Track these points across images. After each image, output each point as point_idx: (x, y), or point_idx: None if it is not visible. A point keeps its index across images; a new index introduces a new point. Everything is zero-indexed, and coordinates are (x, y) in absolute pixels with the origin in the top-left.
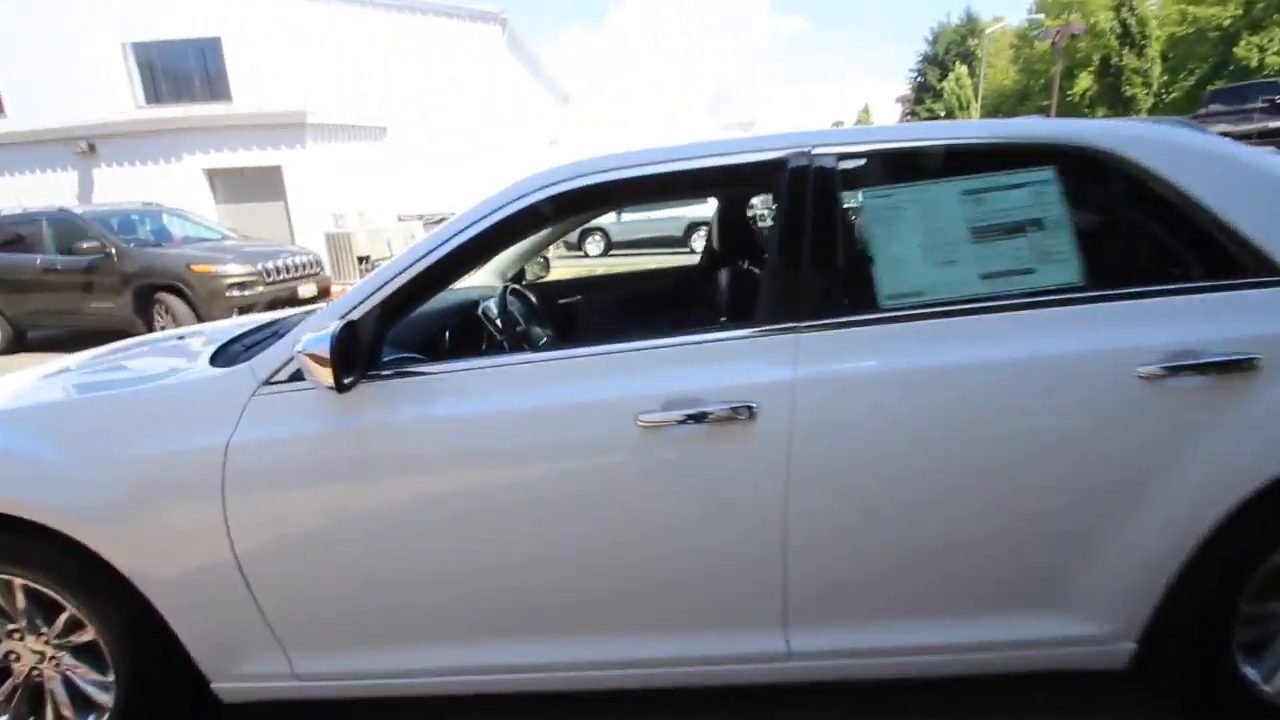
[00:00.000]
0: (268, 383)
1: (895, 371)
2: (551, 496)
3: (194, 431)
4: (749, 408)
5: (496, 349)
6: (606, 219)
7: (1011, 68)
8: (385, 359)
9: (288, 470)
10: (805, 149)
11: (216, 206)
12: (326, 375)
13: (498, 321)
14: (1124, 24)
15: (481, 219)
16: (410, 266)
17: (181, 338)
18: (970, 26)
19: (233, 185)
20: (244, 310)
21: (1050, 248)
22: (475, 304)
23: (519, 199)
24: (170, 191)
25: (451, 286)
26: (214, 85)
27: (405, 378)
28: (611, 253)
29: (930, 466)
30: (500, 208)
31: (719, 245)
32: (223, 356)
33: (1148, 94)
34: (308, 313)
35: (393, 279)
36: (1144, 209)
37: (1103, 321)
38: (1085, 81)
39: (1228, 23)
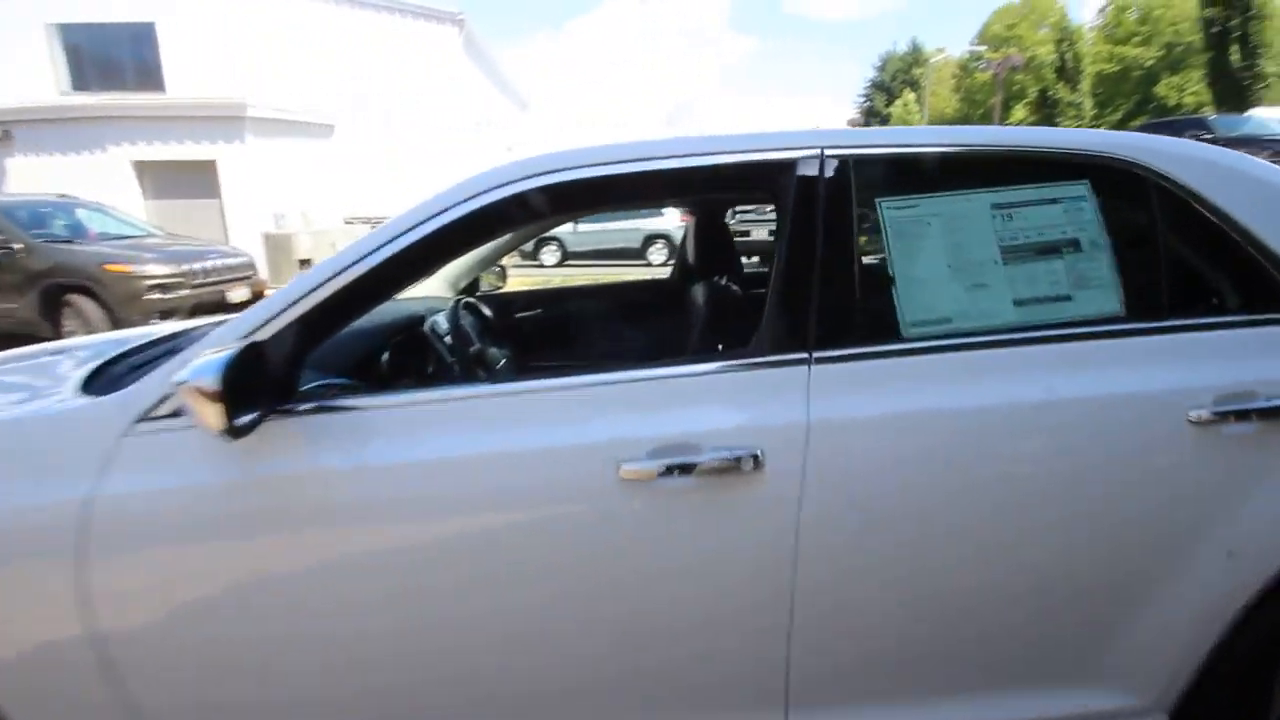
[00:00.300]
0: (145, 418)
1: (923, 414)
2: (515, 564)
3: (39, 481)
4: (754, 456)
5: (445, 372)
6: (563, 228)
7: (954, 96)
8: (305, 387)
9: (171, 533)
10: (815, 149)
11: (145, 202)
12: (214, 415)
13: (447, 339)
14: (1063, 58)
15: (432, 218)
16: (340, 274)
17: (60, 352)
18: (915, 56)
19: (163, 180)
20: (165, 315)
21: (1088, 272)
22: (421, 319)
23: (479, 195)
24: (94, 185)
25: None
26: (147, 74)
27: (330, 413)
28: (567, 263)
29: (958, 525)
30: (456, 205)
31: (695, 258)
32: (101, 379)
33: (1078, 126)
34: (217, 324)
35: (316, 289)
36: (1184, 232)
37: (1148, 358)
38: (1021, 112)
39: (1150, 63)
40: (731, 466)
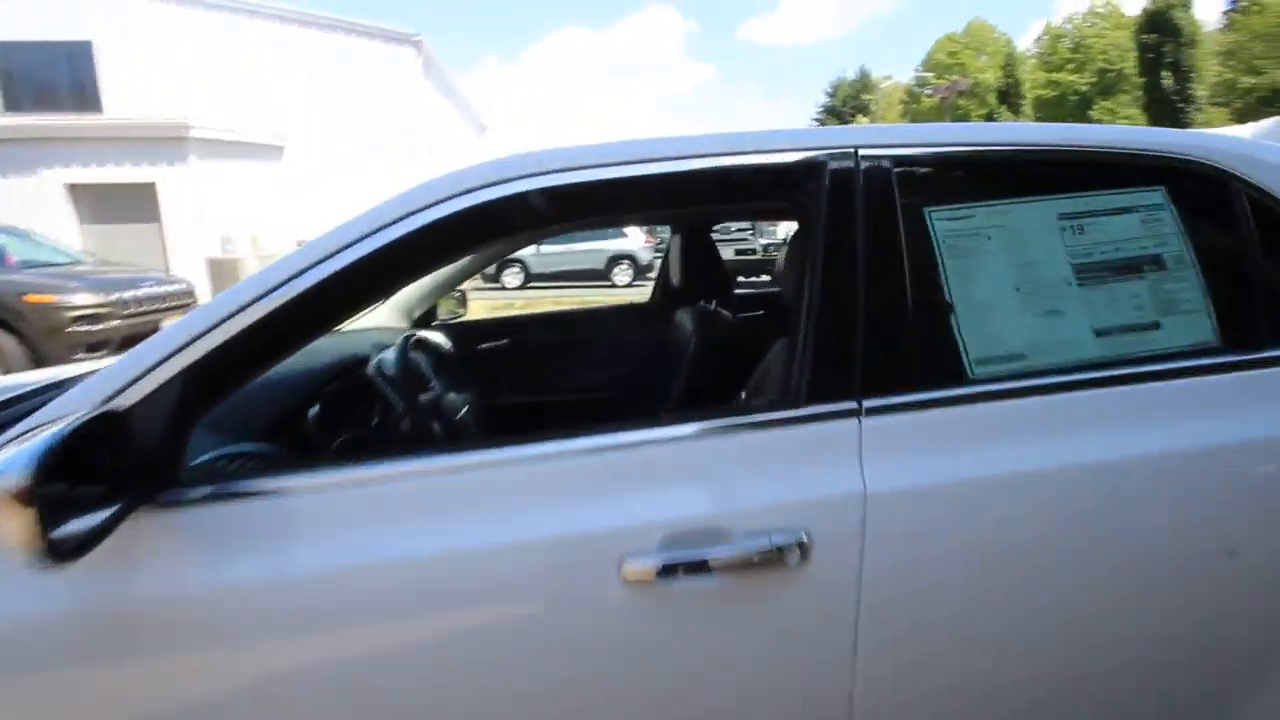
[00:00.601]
0: None
1: (1009, 478)
2: (489, 704)
3: None
4: (800, 541)
5: (394, 426)
6: (526, 249)
7: (902, 121)
8: (200, 460)
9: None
10: (848, 149)
11: (80, 227)
12: (20, 528)
13: (398, 383)
14: (1008, 82)
15: (382, 229)
16: (250, 307)
17: None
18: (864, 82)
19: (100, 204)
20: (93, 348)
21: (1175, 294)
22: (364, 360)
23: (445, 201)
24: (24, 209)
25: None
26: (84, 95)
27: (236, 500)
28: (531, 285)
29: (1059, 616)
30: (421, 210)
31: (681, 280)
32: None
33: None
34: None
35: (210, 331)
36: (1276, 247)
37: (1255, 396)
38: None
39: (1085, 89)
40: (772, 556)
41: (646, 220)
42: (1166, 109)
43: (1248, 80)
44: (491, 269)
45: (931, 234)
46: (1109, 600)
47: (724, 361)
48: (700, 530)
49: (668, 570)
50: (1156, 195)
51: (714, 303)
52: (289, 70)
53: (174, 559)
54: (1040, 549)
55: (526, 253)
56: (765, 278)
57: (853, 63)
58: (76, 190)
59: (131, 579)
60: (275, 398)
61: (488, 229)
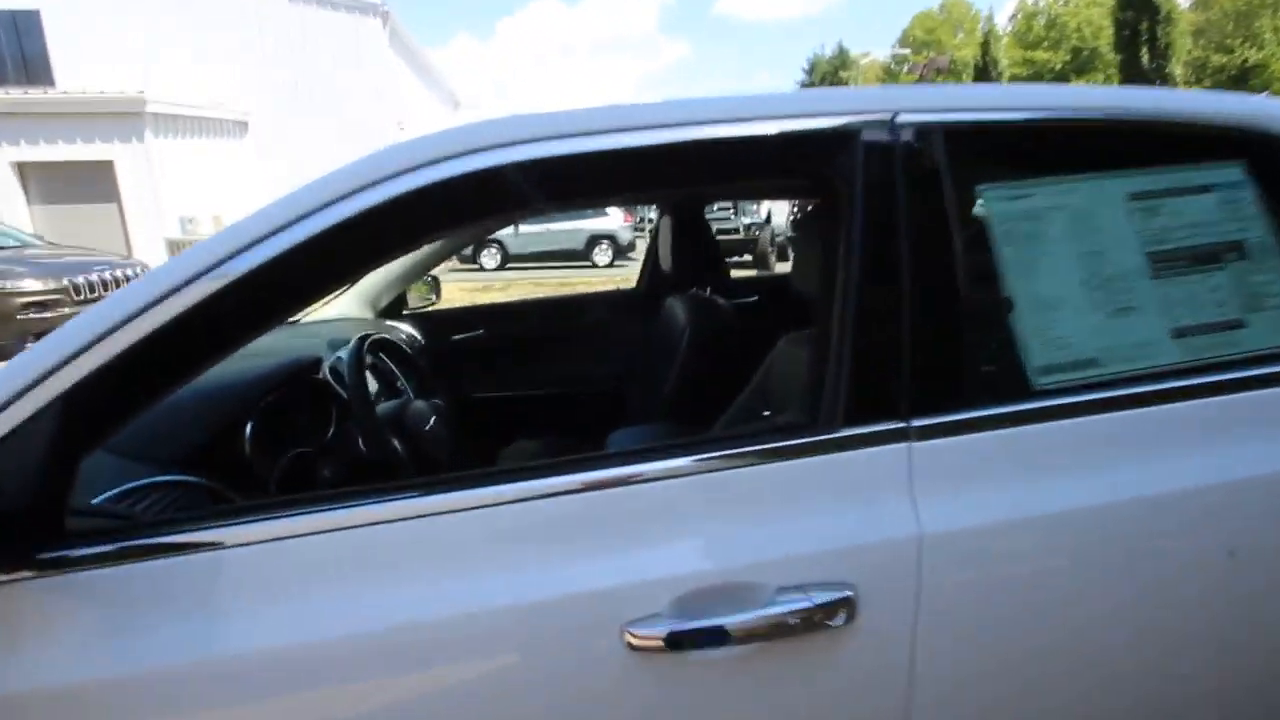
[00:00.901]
0: None
1: (1088, 511)
2: None
3: None
4: (845, 598)
5: (349, 442)
6: (504, 229)
7: None
8: (99, 500)
9: None
10: (885, 115)
11: (30, 208)
12: None
13: (354, 387)
14: (985, 60)
15: (326, 207)
16: (158, 304)
17: None
18: (842, 59)
19: (52, 183)
20: (43, 337)
21: (1261, 287)
22: (316, 362)
23: (390, 180)
24: None
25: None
26: (33, 68)
27: (142, 557)
28: (509, 266)
29: (1159, 672)
30: (356, 192)
31: (672, 265)
32: None
33: None
34: None
35: (109, 334)
36: None
37: None
38: None
39: (1059, 66)
40: (812, 617)
41: (638, 201)
42: (1144, 86)
43: (1219, 59)
44: (468, 249)
45: (985, 217)
46: (1210, 653)
47: (722, 355)
48: (722, 586)
49: (679, 640)
50: (1234, 171)
51: (708, 289)
52: (251, 43)
53: (62, 636)
54: (1128, 593)
55: (505, 232)
56: (748, 257)
57: (830, 38)
58: (26, 169)
59: (6, 665)
60: (201, 411)
61: (465, 206)
